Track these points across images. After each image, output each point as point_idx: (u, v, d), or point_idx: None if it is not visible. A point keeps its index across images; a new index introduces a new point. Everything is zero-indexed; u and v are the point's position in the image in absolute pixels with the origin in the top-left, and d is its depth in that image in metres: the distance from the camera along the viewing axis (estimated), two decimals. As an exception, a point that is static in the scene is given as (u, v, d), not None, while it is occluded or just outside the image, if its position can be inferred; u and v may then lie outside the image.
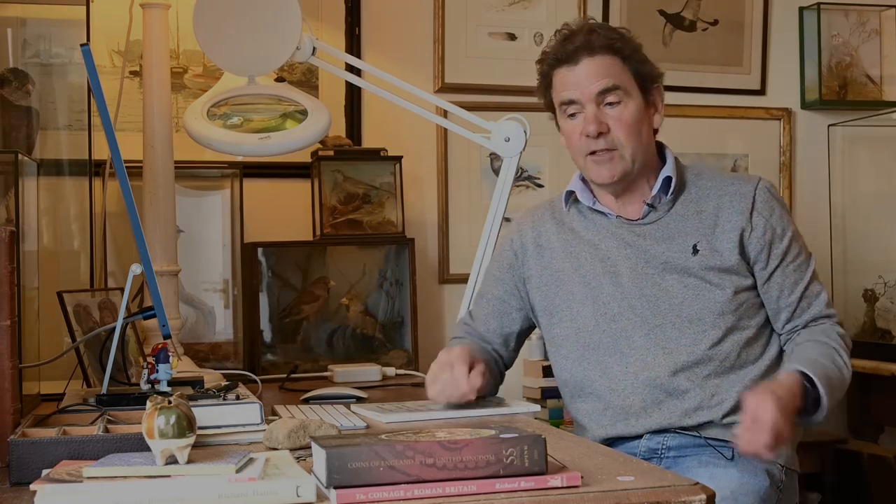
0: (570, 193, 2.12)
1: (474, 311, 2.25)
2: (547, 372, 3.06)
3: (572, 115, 2.02)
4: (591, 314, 2.04)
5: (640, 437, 1.99)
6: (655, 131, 2.09)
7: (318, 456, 1.30)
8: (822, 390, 1.84)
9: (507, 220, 2.40)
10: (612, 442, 2.00)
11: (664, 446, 1.97)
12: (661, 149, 2.11)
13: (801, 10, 3.60)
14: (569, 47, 2.01)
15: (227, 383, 1.96)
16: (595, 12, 3.34)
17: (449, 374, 1.90)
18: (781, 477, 1.97)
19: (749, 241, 2.00)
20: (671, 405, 1.96)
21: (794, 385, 1.83)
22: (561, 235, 2.12)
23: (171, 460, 1.33)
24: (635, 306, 2.00)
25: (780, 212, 2.03)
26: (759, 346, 2.01)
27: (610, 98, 1.98)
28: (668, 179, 2.03)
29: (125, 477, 1.28)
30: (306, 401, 2.15)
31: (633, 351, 1.99)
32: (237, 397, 1.75)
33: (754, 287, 2.02)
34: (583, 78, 1.99)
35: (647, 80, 2.03)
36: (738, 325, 1.98)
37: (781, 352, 2.04)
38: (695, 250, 1.99)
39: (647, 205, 2.04)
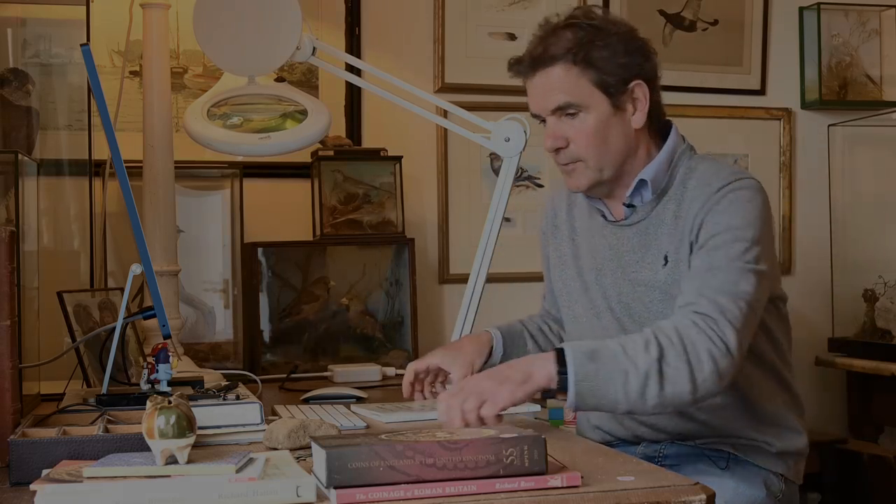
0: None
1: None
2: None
3: (543, 123, 1.94)
4: (583, 307, 2.01)
5: (637, 443, 1.98)
6: (650, 125, 1.94)
7: (318, 456, 1.30)
8: (569, 358, 1.64)
9: (507, 219, 2.40)
10: (610, 443, 1.99)
11: (661, 454, 1.96)
12: (666, 132, 1.96)
13: (801, 10, 3.60)
14: (525, 58, 1.92)
15: (227, 383, 1.96)
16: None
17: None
18: (781, 486, 1.94)
19: (692, 242, 1.85)
20: (647, 430, 1.95)
21: (537, 357, 1.69)
22: (569, 220, 2.08)
23: (171, 460, 1.33)
24: (614, 309, 1.95)
25: (732, 213, 1.81)
26: None
27: (568, 110, 1.88)
28: (642, 182, 1.91)
29: (125, 477, 1.28)
30: (306, 401, 2.15)
31: None
32: (237, 397, 1.75)
33: None
34: (538, 92, 1.90)
35: (615, 84, 1.86)
36: None
37: (761, 355, 1.92)
38: (666, 261, 1.88)
39: (626, 206, 1.94)
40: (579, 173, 1.91)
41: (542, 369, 1.65)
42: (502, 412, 1.63)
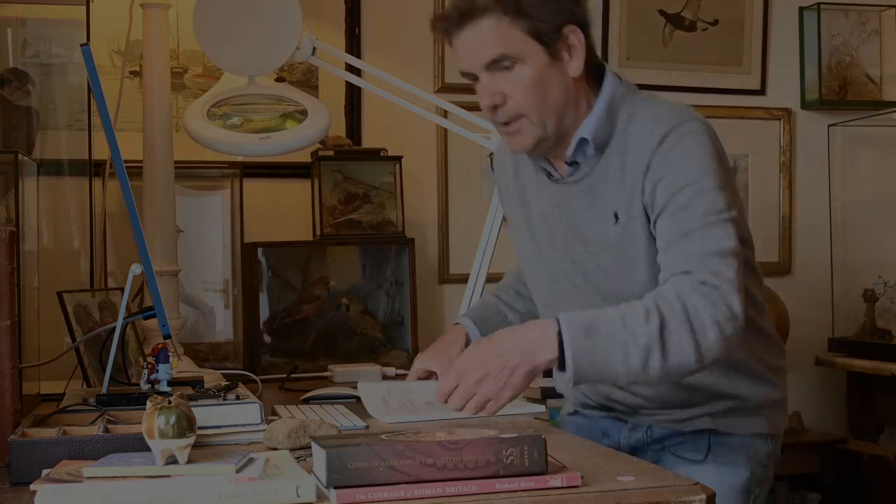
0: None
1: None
2: (546, 372, 3.05)
3: (476, 82, 1.81)
4: (539, 271, 1.94)
5: (609, 409, 1.94)
6: (587, 73, 1.81)
7: (318, 456, 1.30)
8: (566, 337, 1.58)
9: (506, 219, 2.40)
10: (586, 405, 1.98)
11: (650, 437, 1.91)
12: (601, 79, 1.83)
13: (801, 10, 3.60)
14: (451, 13, 1.80)
15: (227, 383, 1.96)
16: (595, 12, 3.34)
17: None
18: (766, 448, 1.89)
19: (647, 203, 1.74)
20: (621, 393, 1.89)
21: (537, 331, 1.62)
22: (517, 181, 1.96)
23: (171, 460, 1.33)
24: (568, 272, 1.86)
25: (683, 160, 1.71)
26: None
27: (503, 63, 1.74)
28: (583, 141, 1.79)
29: (125, 477, 1.28)
30: (306, 401, 2.15)
31: None
32: (237, 397, 1.75)
33: None
34: (469, 48, 1.77)
35: (549, 32, 1.74)
36: None
37: None
38: (616, 218, 1.76)
39: (568, 164, 1.82)
40: (523, 132, 1.78)
41: (544, 352, 1.59)
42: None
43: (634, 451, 1.90)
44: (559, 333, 1.58)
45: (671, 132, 1.71)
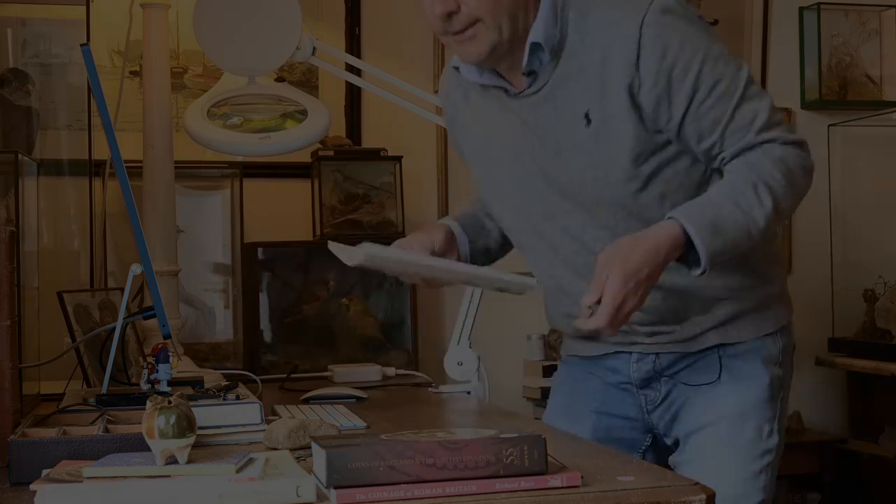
0: (455, 70, 1.84)
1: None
2: (547, 372, 3.06)
3: None
4: (509, 197, 1.85)
5: (628, 353, 1.85)
6: None
7: (318, 456, 1.30)
8: (698, 241, 1.58)
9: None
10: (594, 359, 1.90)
11: (659, 366, 1.83)
12: None
13: (801, 10, 3.60)
14: None
15: (227, 383, 1.96)
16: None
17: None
18: (779, 345, 1.83)
19: (640, 97, 1.67)
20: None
21: (664, 240, 1.59)
22: (470, 109, 1.88)
23: (171, 460, 1.33)
24: (541, 189, 1.78)
25: (679, 42, 1.65)
26: None
27: None
28: (536, 45, 1.71)
29: (125, 477, 1.28)
30: (306, 401, 2.15)
31: (557, 245, 1.80)
32: (237, 397, 1.75)
33: (668, 144, 1.71)
34: None
35: None
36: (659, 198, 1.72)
37: None
38: (587, 119, 1.70)
39: (525, 74, 1.74)
40: (479, 38, 1.69)
41: (674, 254, 1.60)
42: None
43: (647, 383, 1.85)
44: (685, 233, 1.59)
45: (648, 14, 1.65)
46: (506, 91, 1.79)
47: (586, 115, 1.70)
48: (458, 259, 1.91)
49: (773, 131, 1.68)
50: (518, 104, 1.78)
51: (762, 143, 1.67)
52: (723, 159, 1.70)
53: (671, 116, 1.67)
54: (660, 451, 1.91)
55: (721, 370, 1.81)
